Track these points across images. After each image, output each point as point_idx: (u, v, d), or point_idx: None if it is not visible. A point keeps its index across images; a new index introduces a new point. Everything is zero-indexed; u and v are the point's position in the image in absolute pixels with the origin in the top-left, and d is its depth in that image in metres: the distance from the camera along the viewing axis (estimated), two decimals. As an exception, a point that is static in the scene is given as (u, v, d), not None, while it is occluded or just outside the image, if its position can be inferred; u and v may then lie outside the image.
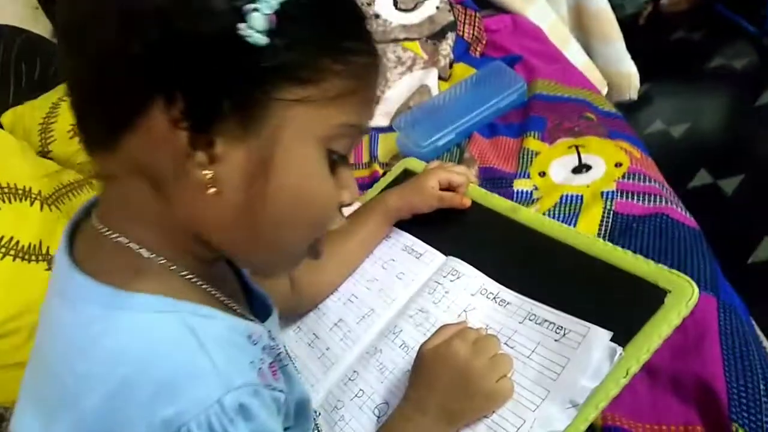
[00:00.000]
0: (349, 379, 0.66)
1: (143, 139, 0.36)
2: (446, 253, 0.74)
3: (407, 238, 0.79)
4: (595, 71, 1.58)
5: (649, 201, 0.87)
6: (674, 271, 0.55)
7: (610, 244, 0.63)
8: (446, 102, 1.20)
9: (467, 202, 0.77)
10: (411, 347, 0.64)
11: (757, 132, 1.94)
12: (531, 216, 0.70)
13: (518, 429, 0.51)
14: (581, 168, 0.97)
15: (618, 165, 0.94)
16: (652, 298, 0.54)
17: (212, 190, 0.37)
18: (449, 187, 0.79)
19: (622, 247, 0.80)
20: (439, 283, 0.69)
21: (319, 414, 0.64)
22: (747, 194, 1.72)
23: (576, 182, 0.94)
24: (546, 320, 0.58)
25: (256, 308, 0.54)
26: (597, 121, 1.08)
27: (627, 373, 0.50)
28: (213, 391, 0.35)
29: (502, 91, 1.18)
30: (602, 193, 0.89)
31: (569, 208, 0.89)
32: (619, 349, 0.52)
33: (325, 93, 0.37)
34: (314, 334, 0.74)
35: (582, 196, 0.90)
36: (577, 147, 1.01)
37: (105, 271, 0.39)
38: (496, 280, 0.66)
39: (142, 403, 0.34)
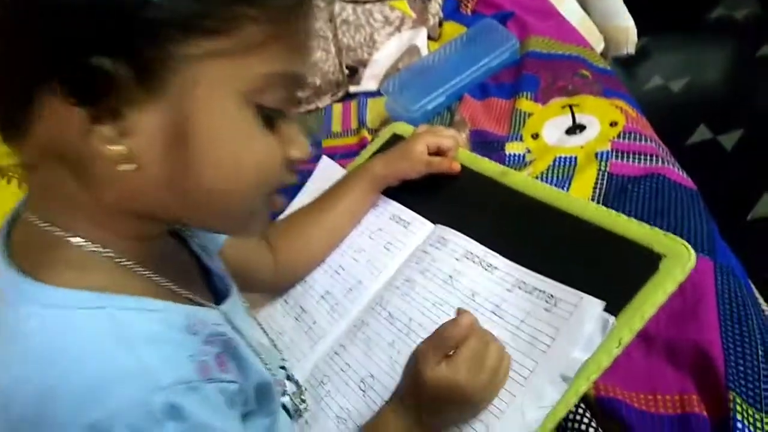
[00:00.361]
0: (335, 353, 0.64)
1: (47, 123, 0.33)
2: (434, 221, 0.71)
3: (395, 207, 0.76)
4: (592, 26, 1.53)
5: (645, 161, 0.84)
6: (669, 234, 0.53)
7: (603, 207, 0.60)
8: (436, 63, 1.16)
9: (456, 167, 0.74)
10: (396, 318, 0.62)
11: (757, 85, 1.90)
12: (521, 179, 0.67)
13: (509, 406, 0.50)
14: (575, 128, 0.94)
15: (613, 124, 0.91)
16: (646, 263, 0.51)
17: (129, 165, 0.34)
18: (438, 152, 0.75)
19: (617, 209, 0.78)
20: (426, 252, 0.66)
21: (305, 389, 0.62)
22: (747, 149, 1.69)
23: (570, 143, 0.91)
24: (536, 288, 0.56)
25: (219, 289, 0.51)
26: (592, 78, 1.04)
27: (620, 343, 0.48)
28: (138, 392, 0.33)
29: (493, 49, 1.14)
30: (597, 153, 0.86)
31: (563, 171, 0.87)
32: (612, 319, 0.50)
33: (240, 42, 0.33)
34: (301, 307, 0.72)
35: (576, 158, 0.88)
36: (571, 107, 0.98)
37: (37, 265, 0.37)
38: (484, 245, 0.63)
39: (69, 407, 0.32)
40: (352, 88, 1.23)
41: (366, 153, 0.96)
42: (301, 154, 0.41)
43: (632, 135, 0.88)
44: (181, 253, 0.50)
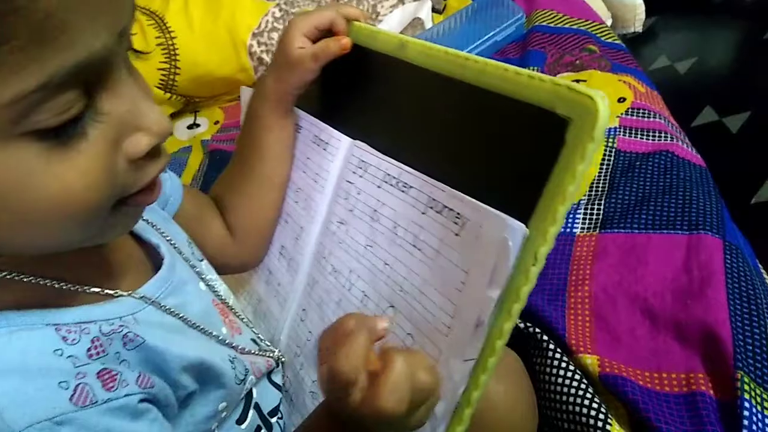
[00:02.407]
0: (301, 319, 0.59)
1: None
2: (348, 131, 0.57)
3: (313, 124, 0.62)
4: (600, 2, 1.50)
5: (654, 137, 0.82)
6: (575, 86, 0.35)
7: (501, 63, 0.41)
8: (440, 36, 1.14)
9: (346, 44, 0.55)
10: (339, 272, 0.54)
11: (764, 67, 1.87)
12: (420, 49, 0.50)
13: (438, 364, 0.41)
14: (582, 104, 0.92)
15: (621, 100, 0.89)
16: (551, 137, 0.36)
17: None
18: (327, 34, 0.57)
19: (625, 186, 0.76)
20: (350, 183, 0.55)
21: (282, 361, 0.58)
22: (753, 132, 1.66)
23: (576, 119, 0.89)
24: (446, 206, 0.44)
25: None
26: (600, 53, 1.02)
27: (536, 259, 0.36)
28: None
29: (499, 23, 1.11)
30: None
31: (569, 147, 0.85)
32: (523, 230, 0.37)
33: None
34: (268, 269, 0.65)
35: (582, 134, 0.86)
36: (578, 81, 0.95)
37: None
38: (395, 156, 0.51)
39: None
40: (354, 61, 1.20)
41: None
42: (140, 147, 0.32)
43: (640, 111, 0.86)
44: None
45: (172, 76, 1.21)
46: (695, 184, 0.73)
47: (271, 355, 0.56)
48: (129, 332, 0.38)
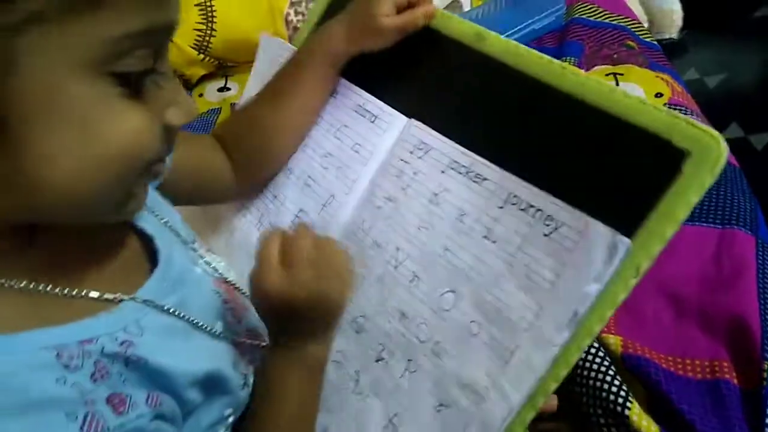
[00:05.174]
0: None
1: None
2: (403, 110, 0.57)
3: (357, 95, 0.60)
4: (638, 6, 1.49)
5: (690, 134, 0.81)
6: (694, 121, 0.39)
7: (605, 82, 0.45)
8: (478, 21, 1.12)
9: (431, 10, 0.56)
10: (382, 247, 0.54)
11: (794, 88, 1.86)
12: (501, 45, 0.51)
13: (513, 355, 0.42)
14: (618, 96, 0.91)
15: (658, 95, 0.89)
16: (665, 164, 0.39)
17: None
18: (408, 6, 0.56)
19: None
20: (405, 162, 0.55)
21: None
22: (778, 151, 1.65)
23: (612, 110, 0.88)
24: (531, 205, 0.45)
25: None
26: (638, 50, 1.01)
27: (638, 272, 0.39)
28: None
29: (539, 11, 1.10)
30: (639, 122, 0.84)
31: (602, 136, 0.84)
32: (626, 243, 0.40)
33: (58, 7, 0.27)
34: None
35: (617, 125, 0.85)
36: (615, 75, 0.95)
37: None
38: (468, 147, 0.51)
39: None
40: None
41: (312, 15, 0.74)
42: (179, 119, 0.34)
43: (678, 108, 0.85)
44: (97, 232, 0.39)
45: (207, 38, 1.21)
46: (730, 181, 0.73)
47: None
48: (132, 354, 0.35)
